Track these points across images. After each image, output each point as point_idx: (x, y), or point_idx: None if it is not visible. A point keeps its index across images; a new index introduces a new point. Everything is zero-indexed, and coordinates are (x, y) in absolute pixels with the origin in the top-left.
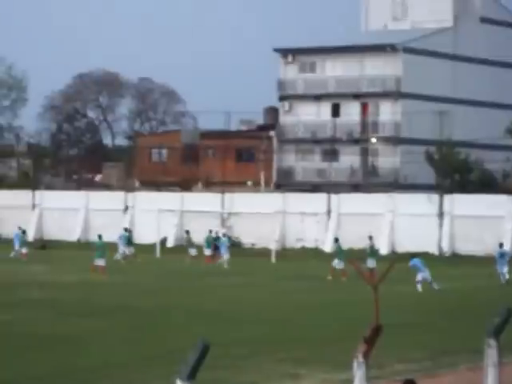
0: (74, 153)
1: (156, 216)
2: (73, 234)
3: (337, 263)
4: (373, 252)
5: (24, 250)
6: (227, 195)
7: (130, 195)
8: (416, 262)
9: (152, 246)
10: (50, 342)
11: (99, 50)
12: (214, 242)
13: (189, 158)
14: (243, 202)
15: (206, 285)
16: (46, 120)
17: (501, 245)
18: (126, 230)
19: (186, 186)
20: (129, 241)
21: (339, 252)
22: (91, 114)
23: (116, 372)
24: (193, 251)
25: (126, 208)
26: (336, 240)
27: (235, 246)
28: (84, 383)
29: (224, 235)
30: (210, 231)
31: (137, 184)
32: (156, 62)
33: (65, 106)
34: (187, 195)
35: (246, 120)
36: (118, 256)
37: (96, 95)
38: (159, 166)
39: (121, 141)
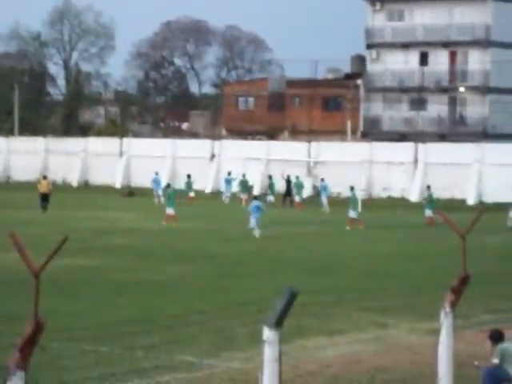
0: (161, 101)
1: (242, 164)
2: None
3: (351, 213)
4: (431, 200)
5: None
6: (313, 144)
7: (217, 143)
8: (254, 204)
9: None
10: (137, 288)
11: None
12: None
13: (275, 107)
14: (329, 150)
15: (291, 232)
16: (133, 67)
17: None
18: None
19: (272, 134)
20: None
21: (353, 201)
22: (178, 61)
23: (201, 318)
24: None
25: (213, 156)
26: (351, 188)
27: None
28: (170, 329)
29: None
30: (297, 177)
31: (223, 132)
32: (243, 9)
33: (152, 53)
34: (273, 144)
35: (333, 68)
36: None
37: (183, 43)
38: (246, 114)
39: (207, 89)
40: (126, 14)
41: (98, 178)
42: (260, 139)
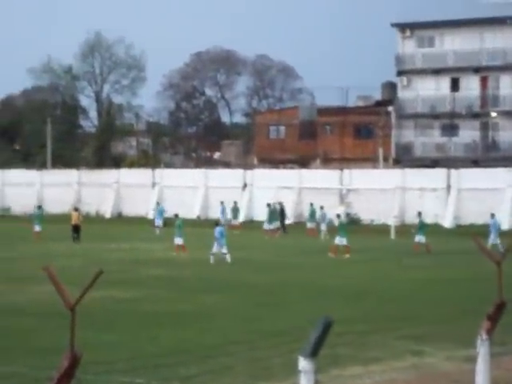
0: (193, 131)
1: (274, 193)
2: (192, 212)
3: (338, 240)
4: (422, 226)
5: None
6: (345, 171)
7: (249, 172)
8: (218, 230)
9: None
10: (172, 319)
11: (216, 28)
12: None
13: (306, 135)
14: (362, 178)
15: (324, 261)
16: (164, 98)
17: (492, 215)
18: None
19: (304, 162)
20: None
21: (340, 228)
22: (209, 91)
23: (237, 348)
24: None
25: (245, 185)
26: (338, 216)
27: (354, 222)
28: (206, 360)
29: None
30: (311, 204)
31: (255, 161)
32: (273, 39)
33: (183, 84)
34: (305, 172)
35: (364, 96)
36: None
37: (214, 73)
38: (277, 142)
39: (239, 118)
40: (156, 45)
41: (131, 209)
42: (292, 168)
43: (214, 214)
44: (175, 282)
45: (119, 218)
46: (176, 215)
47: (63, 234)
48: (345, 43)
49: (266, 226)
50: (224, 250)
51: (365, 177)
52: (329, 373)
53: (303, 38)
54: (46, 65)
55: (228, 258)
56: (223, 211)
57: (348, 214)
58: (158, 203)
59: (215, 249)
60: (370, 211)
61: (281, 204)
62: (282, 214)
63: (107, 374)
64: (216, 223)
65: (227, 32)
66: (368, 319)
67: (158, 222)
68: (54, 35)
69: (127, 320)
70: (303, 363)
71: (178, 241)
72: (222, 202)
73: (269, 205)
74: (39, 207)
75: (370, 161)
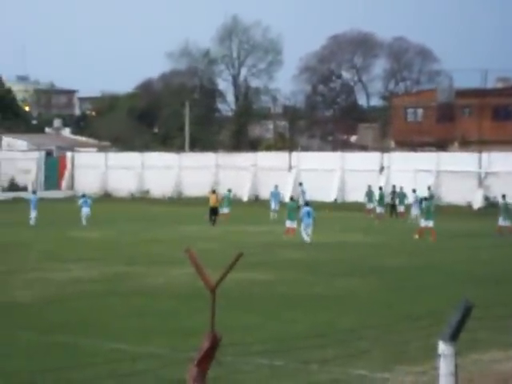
0: (329, 114)
1: (412, 176)
2: (329, 195)
3: (424, 223)
4: (506, 209)
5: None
6: (484, 154)
7: (386, 155)
8: (305, 210)
9: (407, 206)
10: (308, 302)
11: (353, 11)
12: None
13: (444, 117)
14: (501, 161)
15: (456, 245)
16: (301, 82)
17: (503, 196)
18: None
19: (441, 145)
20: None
21: (427, 211)
22: (346, 74)
23: (374, 333)
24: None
25: (382, 168)
26: (423, 199)
27: (493, 206)
28: (342, 343)
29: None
30: (401, 188)
31: (392, 144)
32: (410, 21)
33: (319, 67)
34: (443, 155)
35: (504, 77)
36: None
37: (350, 56)
38: (415, 125)
39: (376, 101)
40: (293, 28)
41: (268, 192)
42: (429, 151)
43: (351, 197)
44: (311, 264)
45: (256, 201)
46: (291, 198)
47: (201, 217)
48: (484, 24)
49: (379, 210)
50: (307, 230)
51: (505, 160)
52: (468, 357)
53: (441, 20)
54: (184, 49)
55: (307, 238)
56: (303, 193)
57: (487, 198)
58: (276, 186)
59: (302, 229)
60: (510, 195)
61: (393, 187)
62: (393, 197)
63: (245, 355)
64: (306, 203)
65: (364, 14)
66: (506, 303)
67: (274, 206)
68: (191, 19)
69: (264, 302)
70: (443, 347)
71: (289, 224)
72: (300, 183)
73: (380, 188)
74: (229, 190)
75: (509, 143)
